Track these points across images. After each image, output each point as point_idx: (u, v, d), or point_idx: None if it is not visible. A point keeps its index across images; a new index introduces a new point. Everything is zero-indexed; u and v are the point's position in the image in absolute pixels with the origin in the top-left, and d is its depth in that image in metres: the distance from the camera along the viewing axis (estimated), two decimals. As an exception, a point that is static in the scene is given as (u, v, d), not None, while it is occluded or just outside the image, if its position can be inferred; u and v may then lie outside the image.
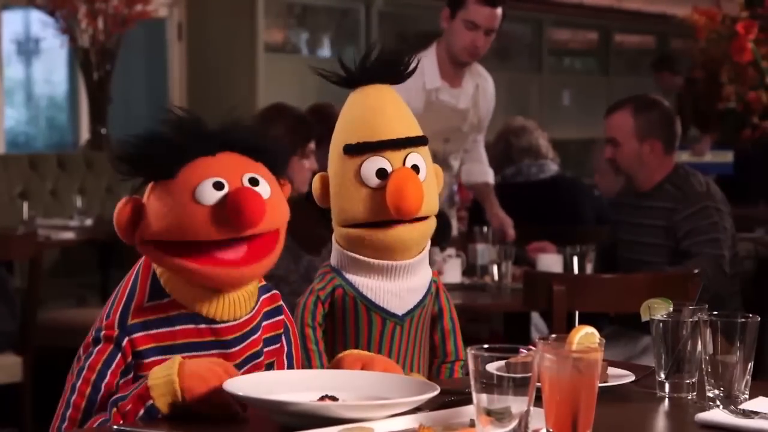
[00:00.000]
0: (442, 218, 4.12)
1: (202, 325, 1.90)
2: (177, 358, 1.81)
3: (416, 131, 2.15)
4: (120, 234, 1.87)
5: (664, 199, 4.12)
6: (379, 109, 2.14)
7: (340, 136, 2.16)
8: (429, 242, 2.22)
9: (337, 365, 1.97)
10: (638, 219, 4.19)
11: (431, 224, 2.17)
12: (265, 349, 1.99)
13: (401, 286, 2.16)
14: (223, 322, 1.91)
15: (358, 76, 2.17)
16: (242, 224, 1.82)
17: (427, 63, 4.49)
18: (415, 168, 2.11)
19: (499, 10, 4.44)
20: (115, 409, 1.80)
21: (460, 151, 4.68)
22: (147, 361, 1.87)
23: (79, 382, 1.87)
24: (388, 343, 2.18)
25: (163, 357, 1.86)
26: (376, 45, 2.19)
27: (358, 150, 2.12)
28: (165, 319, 1.88)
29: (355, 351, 2.02)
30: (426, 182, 2.12)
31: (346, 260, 2.17)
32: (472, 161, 4.81)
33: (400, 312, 2.18)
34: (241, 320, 1.93)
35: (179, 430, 1.80)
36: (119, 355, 1.87)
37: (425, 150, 2.15)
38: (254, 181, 1.87)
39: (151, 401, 1.77)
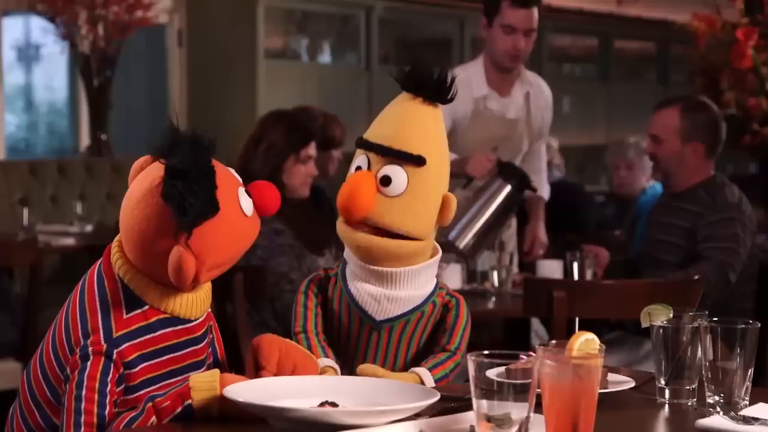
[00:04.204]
0: (513, 169, 4.18)
1: (179, 327, 1.98)
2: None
3: (415, 149, 2.09)
4: (186, 284, 1.91)
5: (695, 203, 4.12)
6: (399, 118, 2.13)
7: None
8: (430, 261, 2.17)
9: (255, 350, 2.02)
10: (667, 218, 4.19)
11: (411, 245, 2.12)
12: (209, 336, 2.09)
13: (381, 292, 2.14)
14: (195, 319, 2.00)
15: (404, 83, 2.15)
16: (273, 212, 2.03)
17: (474, 71, 4.48)
18: (386, 179, 2.09)
19: (534, 10, 4.43)
20: (150, 404, 1.87)
21: (515, 160, 4.63)
22: (135, 370, 1.93)
23: (84, 392, 1.89)
24: (364, 344, 2.17)
25: (149, 362, 1.94)
26: (444, 68, 2.15)
27: (357, 143, 2.15)
28: (146, 326, 1.95)
29: (277, 337, 2.04)
30: (401, 199, 2.08)
31: (347, 253, 2.19)
32: (528, 172, 4.75)
33: (377, 317, 2.15)
34: (205, 316, 2.03)
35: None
36: (112, 366, 1.91)
37: (418, 170, 2.09)
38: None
39: (189, 400, 1.86)
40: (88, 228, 6.06)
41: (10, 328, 4.52)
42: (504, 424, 1.60)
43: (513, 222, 4.63)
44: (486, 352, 1.64)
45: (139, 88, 8.53)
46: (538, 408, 1.65)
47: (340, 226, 2.15)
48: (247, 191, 1.98)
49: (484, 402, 1.61)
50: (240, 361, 3.50)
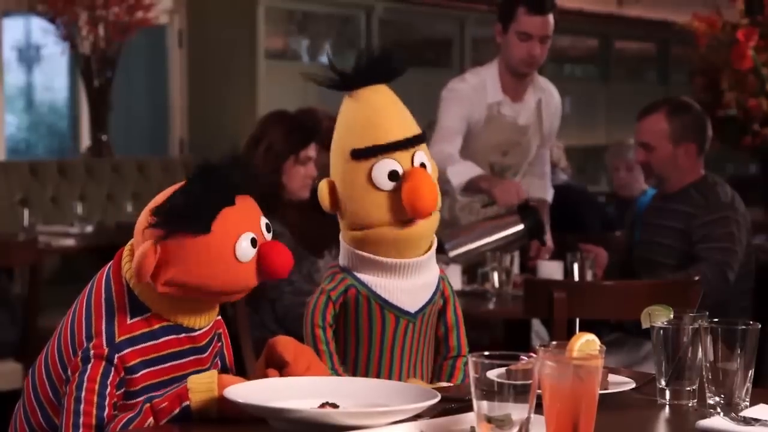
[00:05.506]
0: (534, 215, 4.20)
1: (182, 335, 1.97)
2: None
3: (417, 129, 2.15)
4: (141, 279, 1.91)
5: (688, 204, 4.11)
6: (383, 110, 2.13)
7: (344, 141, 2.14)
8: (436, 239, 2.21)
9: (272, 345, 2.01)
10: (659, 220, 4.19)
11: (437, 217, 2.17)
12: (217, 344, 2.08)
13: (413, 283, 2.16)
14: (200, 329, 1.99)
15: (355, 78, 2.15)
16: (278, 276, 1.97)
17: (489, 77, 4.47)
18: (422, 166, 2.11)
19: (550, 17, 4.44)
20: (148, 405, 1.88)
21: (522, 164, 4.63)
22: (137, 375, 1.93)
23: (83, 393, 1.90)
24: (401, 341, 2.17)
25: (151, 369, 1.94)
26: (369, 49, 2.16)
27: (367, 154, 2.10)
28: (149, 333, 1.95)
29: (290, 338, 2.03)
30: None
31: (358, 260, 2.15)
32: (533, 176, 4.73)
33: (412, 309, 2.17)
34: (210, 325, 2.02)
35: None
36: (113, 370, 1.91)
37: (425, 147, 2.16)
38: (268, 227, 1.99)
39: (187, 402, 1.86)
40: (89, 229, 6.05)
41: (10, 328, 4.52)
42: (504, 425, 1.60)
43: None
44: (486, 353, 1.64)
45: (140, 89, 8.53)
46: (539, 409, 1.65)
47: (379, 231, 2.12)
48: (253, 239, 1.93)
49: (485, 403, 1.61)
50: (240, 362, 3.51)
